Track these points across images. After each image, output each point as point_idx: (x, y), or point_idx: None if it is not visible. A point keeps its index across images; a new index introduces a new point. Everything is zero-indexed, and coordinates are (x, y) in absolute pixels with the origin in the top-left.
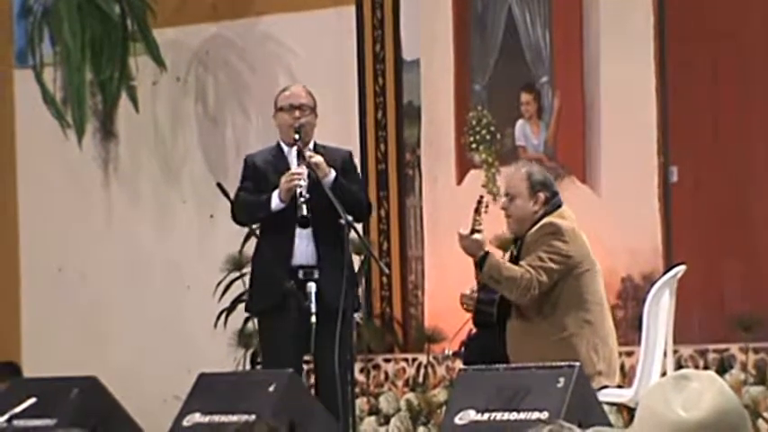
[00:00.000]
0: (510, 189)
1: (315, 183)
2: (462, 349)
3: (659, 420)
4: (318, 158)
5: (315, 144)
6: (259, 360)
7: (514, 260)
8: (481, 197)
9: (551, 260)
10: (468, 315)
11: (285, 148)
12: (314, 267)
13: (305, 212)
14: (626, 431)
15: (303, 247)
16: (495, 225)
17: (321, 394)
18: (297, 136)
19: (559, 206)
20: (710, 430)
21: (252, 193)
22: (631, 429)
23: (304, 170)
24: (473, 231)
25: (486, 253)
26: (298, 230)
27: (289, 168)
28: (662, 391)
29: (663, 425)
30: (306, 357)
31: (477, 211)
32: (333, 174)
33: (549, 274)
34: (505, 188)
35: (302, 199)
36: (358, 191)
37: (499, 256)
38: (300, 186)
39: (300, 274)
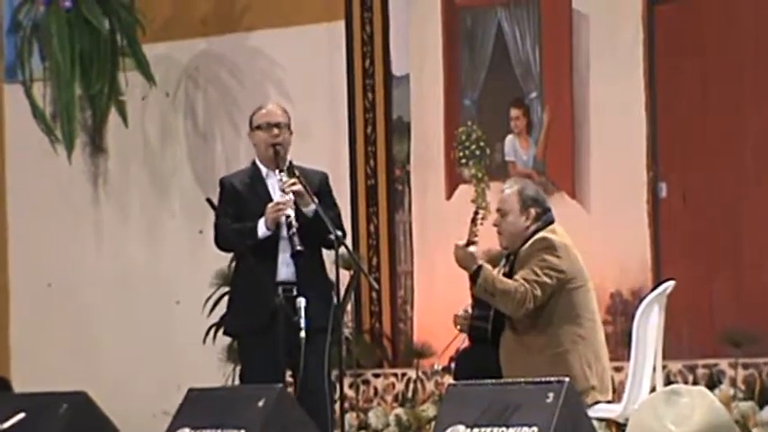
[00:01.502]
0: (502, 205)
1: (297, 209)
2: (452, 364)
3: None
4: (301, 187)
5: (291, 164)
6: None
7: (507, 276)
8: (478, 209)
9: (545, 274)
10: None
11: (263, 170)
12: (293, 284)
13: (299, 247)
14: None
15: (284, 269)
16: (486, 240)
17: (307, 409)
18: (276, 155)
19: (551, 222)
20: None
21: (233, 219)
22: None
23: (290, 198)
24: (469, 243)
25: (480, 266)
26: (281, 255)
27: (268, 191)
28: (653, 407)
29: None
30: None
31: (473, 222)
32: (316, 201)
33: (543, 288)
34: (498, 204)
35: (292, 230)
36: (334, 218)
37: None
38: (287, 216)
39: (280, 290)
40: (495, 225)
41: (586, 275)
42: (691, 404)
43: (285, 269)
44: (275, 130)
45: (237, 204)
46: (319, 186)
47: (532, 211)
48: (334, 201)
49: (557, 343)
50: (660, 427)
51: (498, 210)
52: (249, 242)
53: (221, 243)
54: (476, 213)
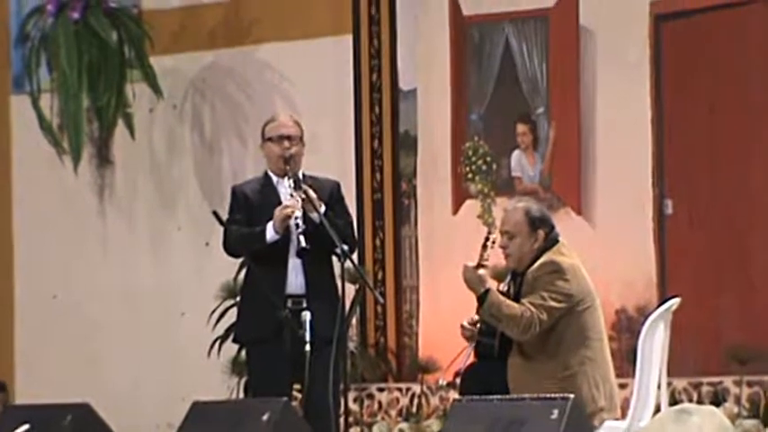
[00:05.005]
0: (509, 227)
1: (305, 213)
2: (457, 380)
3: None
4: (312, 193)
5: (303, 175)
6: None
7: (514, 296)
8: (489, 233)
9: (552, 299)
10: (463, 345)
11: (274, 179)
12: (302, 297)
13: (304, 244)
14: None
15: (293, 277)
16: (492, 257)
17: (312, 423)
18: (287, 167)
19: (557, 241)
20: None
21: (244, 226)
22: None
23: (298, 201)
24: (479, 266)
25: (488, 290)
26: (291, 261)
27: (279, 198)
28: (662, 425)
29: None
30: (295, 386)
31: (484, 246)
32: (323, 209)
33: (550, 312)
34: (504, 226)
35: (299, 230)
36: (344, 226)
37: (495, 287)
38: (296, 217)
39: (290, 303)
40: (502, 247)
41: (594, 294)
42: (700, 423)
43: (295, 278)
44: (286, 143)
45: (248, 211)
46: (330, 195)
47: (541, 233)
48: (346, 209)
49: (565, 366)
50: None
51: (505, 232)
52: (257, 246)
53: (229, 248)
54: (487, 238)
